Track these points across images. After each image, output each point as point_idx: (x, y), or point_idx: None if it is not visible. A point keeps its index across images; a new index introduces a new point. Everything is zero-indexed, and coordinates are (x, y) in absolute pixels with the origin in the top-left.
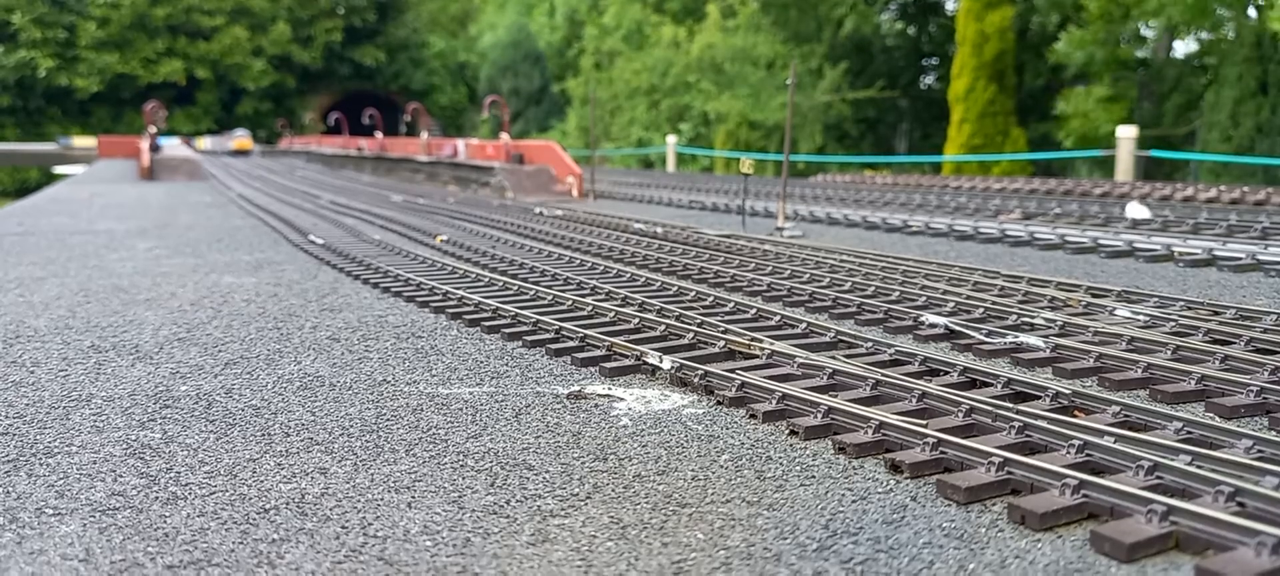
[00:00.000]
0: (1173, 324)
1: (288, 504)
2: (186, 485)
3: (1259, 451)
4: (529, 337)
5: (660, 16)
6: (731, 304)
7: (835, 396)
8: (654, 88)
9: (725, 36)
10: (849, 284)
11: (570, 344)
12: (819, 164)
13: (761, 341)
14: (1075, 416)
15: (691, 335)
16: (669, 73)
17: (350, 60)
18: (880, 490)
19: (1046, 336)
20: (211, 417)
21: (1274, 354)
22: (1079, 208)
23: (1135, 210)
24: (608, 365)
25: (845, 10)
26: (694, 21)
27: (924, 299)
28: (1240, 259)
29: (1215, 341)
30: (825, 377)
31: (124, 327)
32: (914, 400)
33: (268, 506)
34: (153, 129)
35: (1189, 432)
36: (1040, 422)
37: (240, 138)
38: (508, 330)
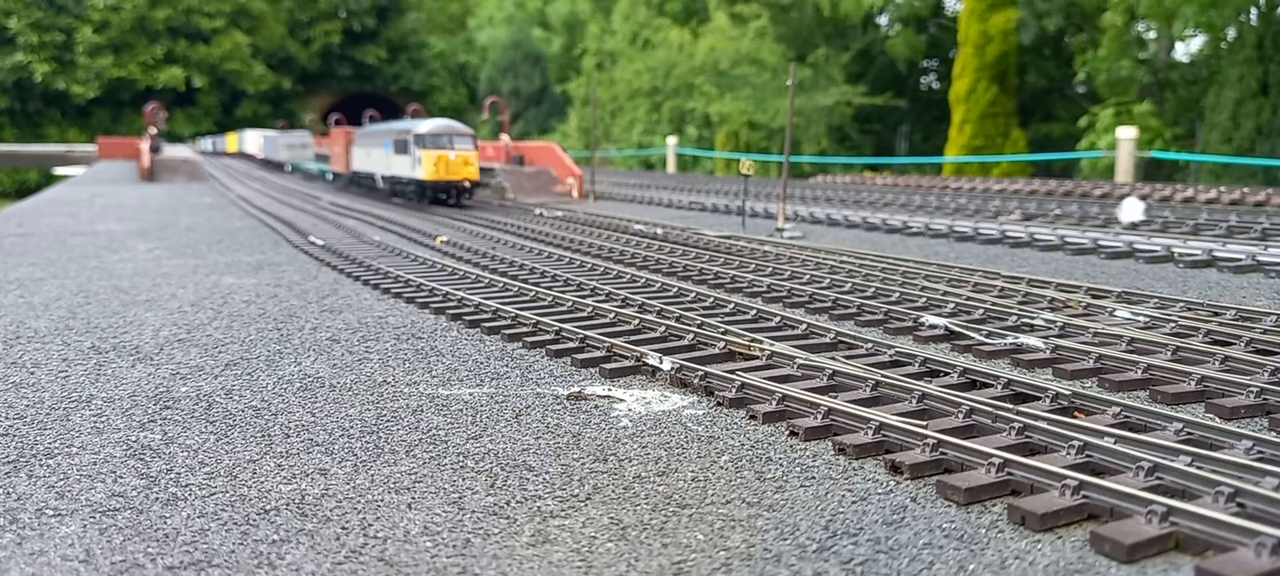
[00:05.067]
0: (1173, 325)
1: (288, 505)
2: (187, 486)
3: (1259, 452)
4: (529, 339)
5: (663, 18)
6: (731, 305)
7: (835, 397)
8: (655, 89)
9: (731, 40)
10: (849, 285)
11: (570, 345)
12: (822, 165)
13: (761, 342)
14: (1075, 417)
15: (691, 336)
16: (671, 75)
17: (350, 60)
18: (880, 491)
19: (1046, 337)
20: (212, 419)
21: (1274, 355)
22: (1079, 209)
23: (1128, 211)
24: (608, 366)
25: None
26: (698, 22)
27: (924, 300)
28: (1240, 260)
29: (1215, 342)
30: (825, 378)
31: (124, 329)
32: (914, 401)
33: (268, 507)
34: (153, 130)
35: (1189, 433)
36: (1040, 423)
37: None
38: (508, 331)
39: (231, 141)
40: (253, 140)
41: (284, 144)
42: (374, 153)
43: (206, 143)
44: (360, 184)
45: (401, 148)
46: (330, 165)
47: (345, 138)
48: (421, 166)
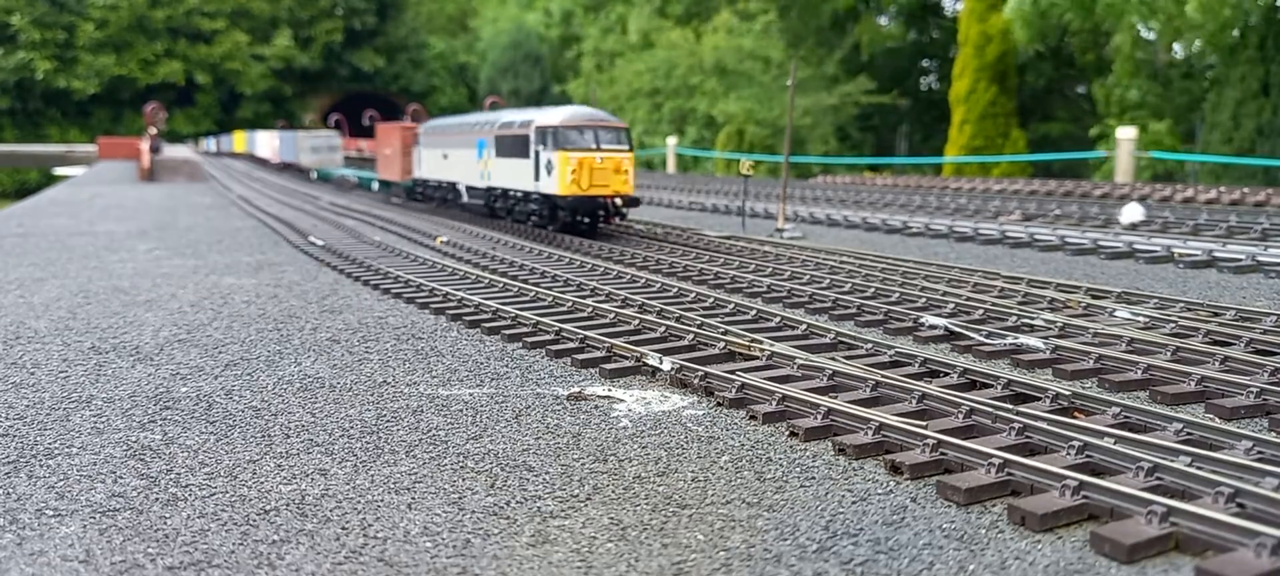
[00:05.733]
0: (1172, 325)
1: (288, 505)
2: (187, 486)
3: (1259, 452)
4: (529, 339)
5: (665, 20)
6: (732, 305)
7: (835, 397)
8: (656, 89)
9: (733, 39)
10: (849, 285)
11: (570, 345)
12: (827, 165)
13: (762, 342)
14: (1075, 417)
15: (692, 336)
16: (672, 75)
17: (350, 61)
18: (880, 491)
19: (1046, 337)
20: (212, 419)
21: (1274, 355)
22: (1079, 209)
23: (1130, 214)
24: (608, 366)
25: (860, 28)
26: (700, 22)
27: (924, 300)
28: (1240, 260)
29: (1215, 342)
30: (825, 379)
31: (124, 329)
32: (914, 401)
33: (268, 507)
34: (153, 130)
35: (1189, 434)
36: (1040, 424)
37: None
38: (508, 331)
39: (239, 141)
40: (265, 141)
41: (308, 145)
42: (455, 155)
43: (209, 143)
44: (428, 197)
45: (513, 148)
46: (378, 172)
47: (401, 136)
48: (555, 176)
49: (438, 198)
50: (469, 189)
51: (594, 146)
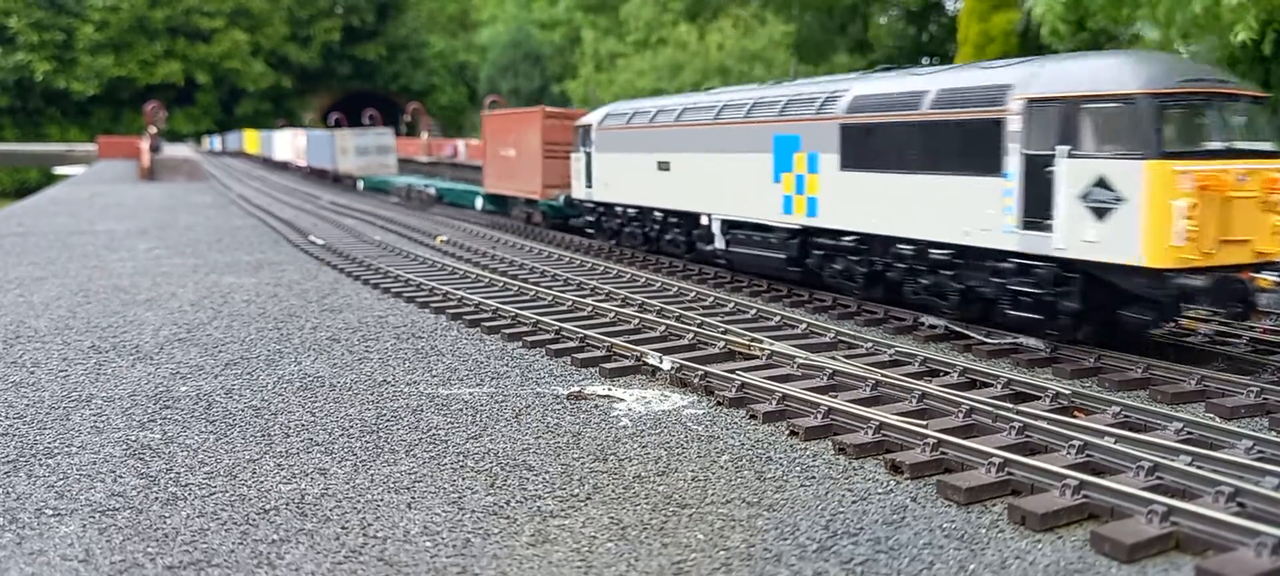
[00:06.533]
0: (1173, 324)
1: (288, 504)
2: (186, 486)
3: (1259, 452)
4: (529, 338)
5: (667, 16)
6: (732, 304)
7: (835, 397)
8: (659, 90)
9: (738, 41)
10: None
11: (570, 344)
12: None
13: (762, 342)
14: (1075, 416)
15: (691, 335)
16: (677, 76)
17: (350, 59)
18: (880, 491)
19: (1046, 336)
20: (211, 418)
21: (1274, 354)
22: None
23: None
24: (608, 365)
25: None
26: (704, 21)
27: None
28: None
29: (1215, 341)
30: (825, 378)
31: (124, 328)
32: (914, 400)
33: (268, 507)
34: (153, 129)
35: (1189, 433)
36: (1040, 423)
37: None
38: (508, 331)
39: (251, 141)
40: (287, 142)
41: (353, 147)
42: (693, 164)
43: (213, 142)
44: (608, 231)
45: (927, 148)
46: (489, 183)
47: (542, 128)
48: (1129, 218)
49: (640, 236)
50: (733, 228)
51: (1222, 148)
